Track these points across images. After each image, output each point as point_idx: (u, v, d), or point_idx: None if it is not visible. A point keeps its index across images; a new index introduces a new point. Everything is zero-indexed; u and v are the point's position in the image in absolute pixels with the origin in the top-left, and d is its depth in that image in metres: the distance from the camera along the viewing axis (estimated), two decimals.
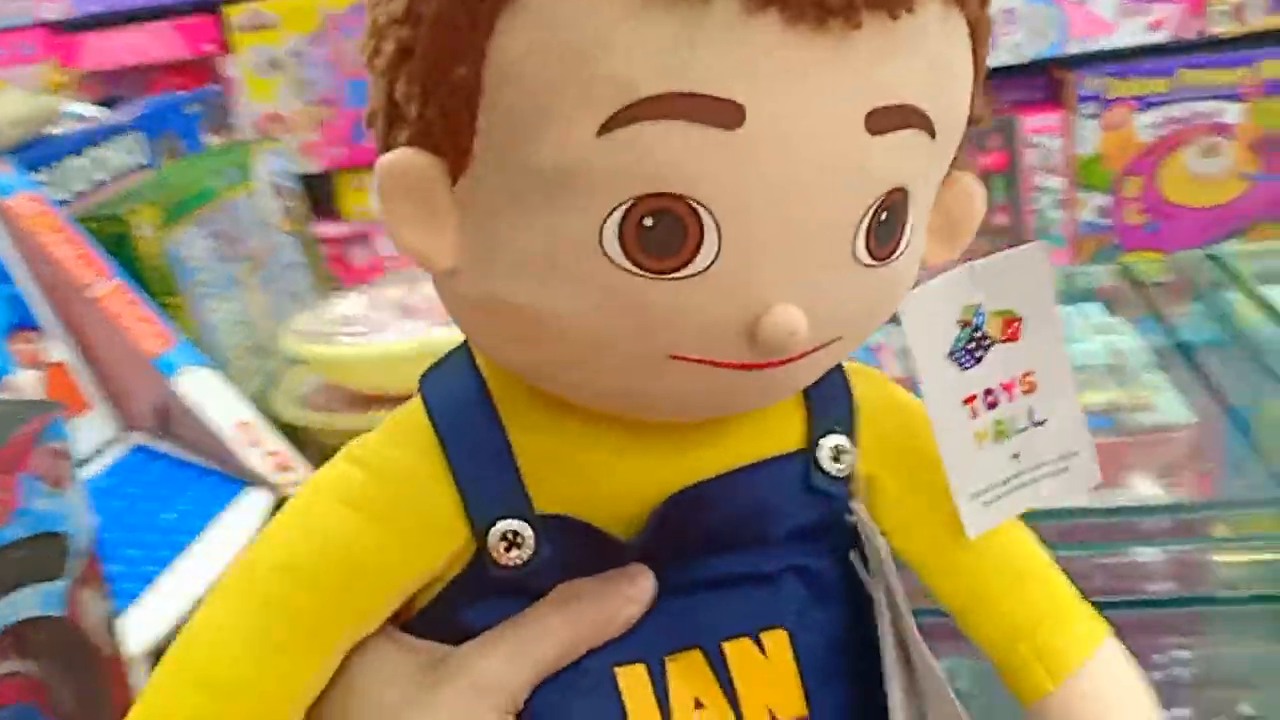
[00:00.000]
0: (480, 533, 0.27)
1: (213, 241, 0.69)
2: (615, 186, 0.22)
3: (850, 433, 0.29)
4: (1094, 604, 0.30)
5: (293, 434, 0.61)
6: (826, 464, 0.28)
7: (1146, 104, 1.17)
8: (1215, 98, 1.16)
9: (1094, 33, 1.18)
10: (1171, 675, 0.48)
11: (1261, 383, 0.60)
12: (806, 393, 0.28)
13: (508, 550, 0.26)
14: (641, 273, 0.22)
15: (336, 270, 1.37)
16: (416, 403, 0.28)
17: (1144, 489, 0.56)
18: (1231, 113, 1.16)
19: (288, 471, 0.57)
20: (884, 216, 0.23)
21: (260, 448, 0.57)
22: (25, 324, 0.57)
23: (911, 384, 0.30)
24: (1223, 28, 1.17)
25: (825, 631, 0.28)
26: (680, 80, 0.21)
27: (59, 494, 0.35)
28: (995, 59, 0.25)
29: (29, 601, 0.33)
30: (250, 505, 0.56)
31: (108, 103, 0.89)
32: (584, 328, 0.23)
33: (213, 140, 0.81)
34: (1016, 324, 0.28)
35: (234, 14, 1.32)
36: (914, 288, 0.26)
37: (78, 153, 0.68)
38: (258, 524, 0.54)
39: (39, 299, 0.58)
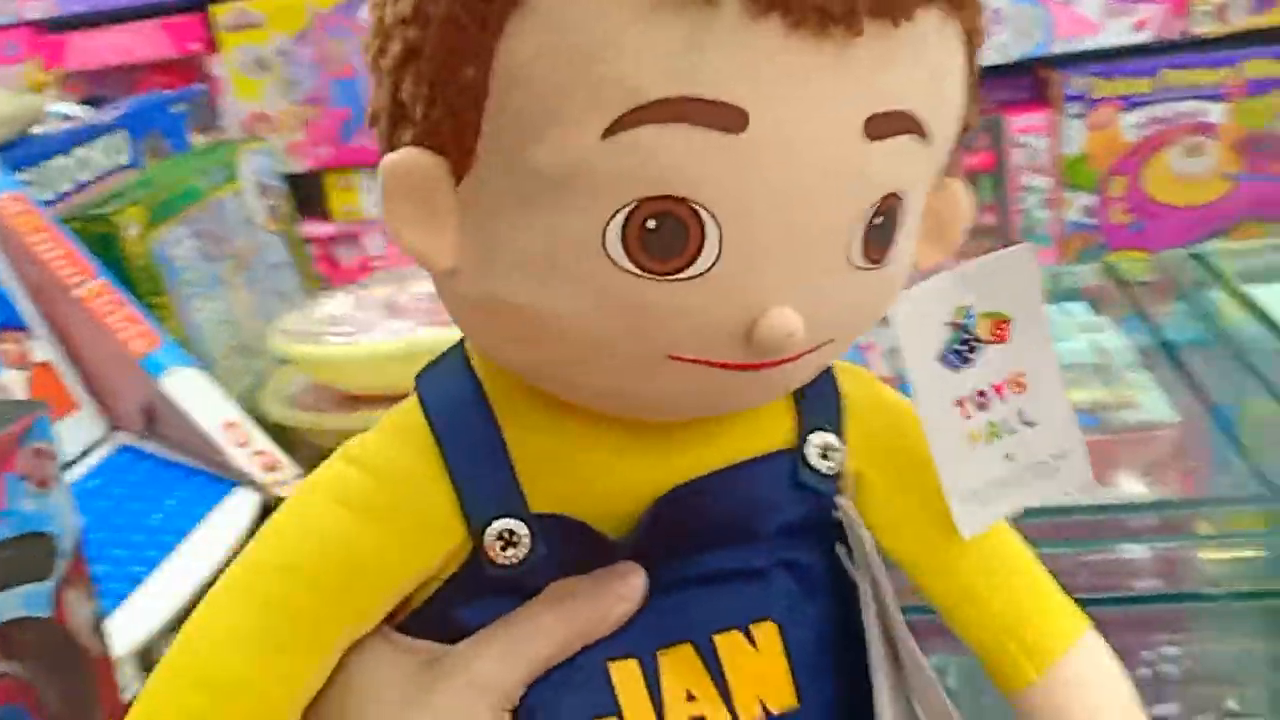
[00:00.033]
0: (476, 532, 0.27)
1: (198, 241, 0.69)
2: (619, 189, 0.22)
3: (838, 431, 0.29)
4: (1081, 601, 0.30)
5: (280, 434, 0.61)
6: (815, 461, 0.28)
7: (1131, 104, 1.18)
8: (1199, 98, 1.17)
9: (1079, 33, 1.18)
10: (1159, 672, 0.49)
11: (1245, 381, 0.60)
12: (795, 391, 0.28)
13: (504, 549, 0.27)
14: (643, 274, 0.22)
15: (324, 270, 1.37)
16: (412, 402, 0.28)
17: (1129, 487, 0.56)
18: (1215, 113, 1.17)
19: (275, 471, 0.57)
20: (880, 221, 0.23)
21: (247, 448, 0.57)
22: (10, 324, 0.56)
23: (899, 383, 0.30)
24: (1206, 28, 1.18)
25: (815, 624, 0.29)
26: (686, 84, 0.21)
27: (44, 494, 0.35)
28: (981, 59, 0.25)
29: (15, 602, 0.33)
30: (237, 505, 0.56)
31: (93, 102, 0.88)
32: (584, 328, 0.23)
33: (198, 140, 0.80)
34: (1005, 325, 0.28)
35: (220, 13, 1.32)
36: (905, 290, 0.27)
37: (62, 152, 0.67)
38: (245, 524, 0.54)
39: (24, 299, 0.57)
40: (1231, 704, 0.50)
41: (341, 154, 1.38)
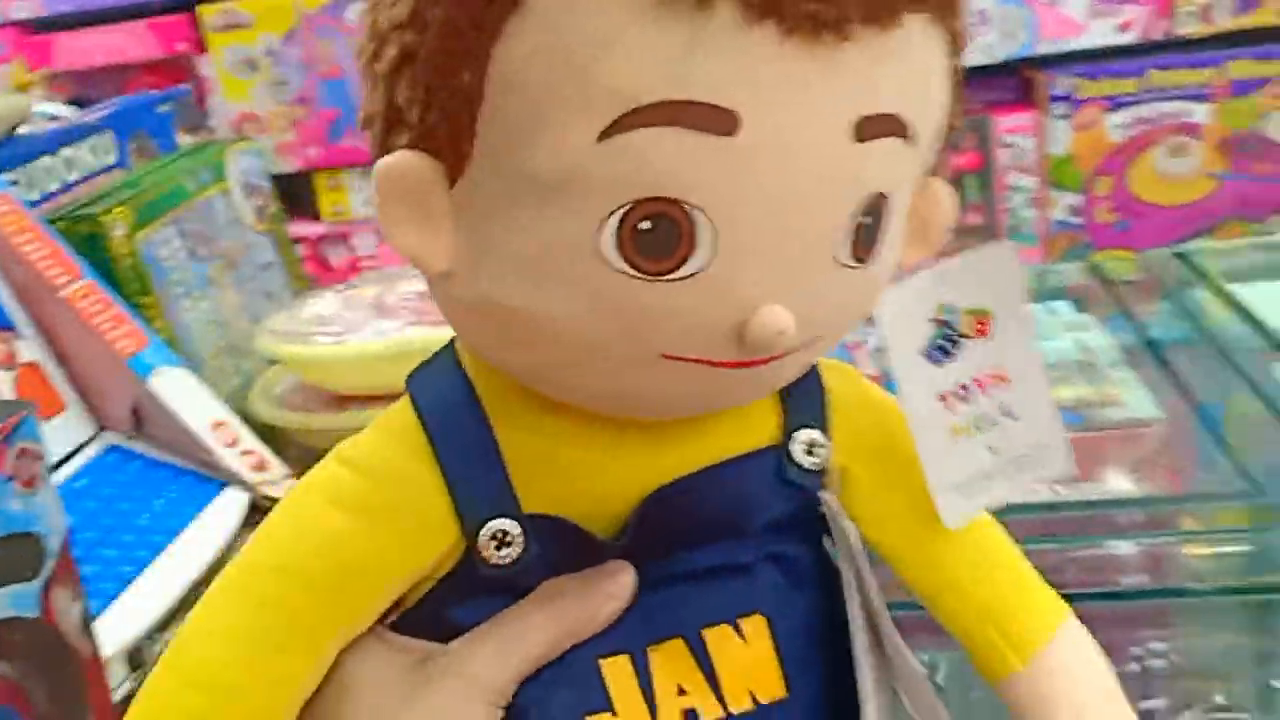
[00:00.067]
0: (470, 532, 0.27)
1: (186, 241, 0.68)
2: (613, 191, 0.22)
3: (824, 427, 0.29)
4: (1069, 596, 0.31)
5: (269, 434, 0.61)
6: (800, 458, 0.29)
7: (1116, 104, 1.19)
8: (1183, 98, 1.18)
9: (1064, 34, 1.19)
10: (1147, 666, 0.49)
11: (1228, 379, 0.60)
12: (781, 389, 0.28)
13: (497, 549, 0.27)
14: (637, 275, 0.23)
15: (315, 270, 1.37)
16: (405, 403, 0.28)
17: (1114, 484, 0.57)
18: (1199, 113, 1.18)
19: (264, 471, 0.57)
20: (867, 221, 0.24)
21: (236, 447, 0.57)
22: None
23: (885, 381, 0.30)
24: (1190, 29, 1.18)
25: (803, 616, 0.29)
26: (681, 88, 0.21)
27: (31, 494, 0.35)
28: (968, 60, 0.26)
29: (3, 603, 0.33)
30: (226, 505, 0.55)
31: (80, 102, 0.88)
32: (578, 329, 0.24)
33: (185, 140, 0.80)
34: (987, 320, 0.28)
35: (208, 14, 1.31)
36: (890, 287, 0.27)
37: (49, 153, 0.67)
38: (234, 524, 0.54)
39: (11, 300, 0.57)
40: (1219, 698, 0.50)
41: (330, 154, 1.38)
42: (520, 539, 0.27)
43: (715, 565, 0.28)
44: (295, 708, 0.27)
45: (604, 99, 0.21)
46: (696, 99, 0.21)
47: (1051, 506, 0.51)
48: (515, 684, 0.27)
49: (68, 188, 0.68)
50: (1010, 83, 1.25)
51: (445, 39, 0.22)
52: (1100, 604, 0.47)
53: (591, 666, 0.28)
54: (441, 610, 0.28)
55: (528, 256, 0.23)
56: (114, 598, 0.47)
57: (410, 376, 0.29)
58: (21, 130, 0.70)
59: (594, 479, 0.27)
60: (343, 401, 0.64)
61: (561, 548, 0.27)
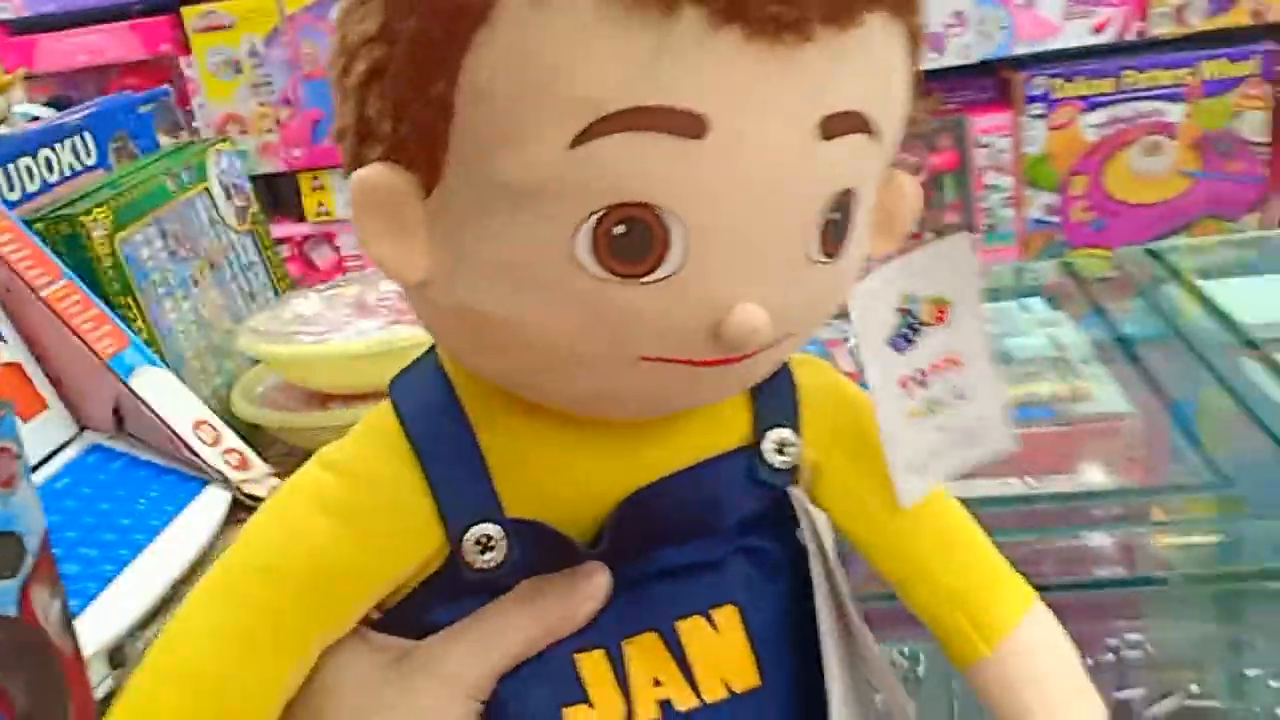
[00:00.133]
0: (454, 537, 0.27)
1: (167, 242, 0.68)
2: (586, 197, 0.22)
3: (795, 425, 0.30)
4: (1044, 588, 0.31)
5: (251, 433, 0.61)
6: (771, 457, 0.29)
7: (1092, 104, 1.20)
8: (1158, 98, 1.19)
9: (1040, 34, 1.20)
10: (1122, 656, 0.50)
11: (1200, 374, 0.61)
12: (753, 388, 0.29)
13: (481, 553, 0.27)
14: (612, 278, 0.23)
15: (300, 270, 1.36)
16: (387, 407, 0.29)
17: (1088, 477, 0.57)
18: (1173, 113, 1.20)
19: (246, 470, 0.57)
20: (836, 216, 0.24)
21: (218, 446, 0.57)
22: None
23: (862, 380, 0.31)
24: (1164, 29, 1.20)
25: (774, 605, 0.30)
26: (649, 94, 0.22)
27: (9, 493, 0.35)
28: (945, 60, 0.26)
29: None
30: (208, 504, 0.55)
31: (62, 103, 0.88)
32: (555, 333, 0.24)
33: (166, 141, 0.80)
34: (946, 308, 0.29)
35: (191, 15, 1.31)
36: (860, 279, 0.28)
37: (28, 153, 0.67)
38: (216, 523, 0.54)
39: None
40: (1194, 687, 0.51)
41: (314, 154, 1.37)
42: (503, 543, 0.27)
43: (688, 563, 0.29)
44: (278, 707, 0.27)
45: (574, 107, 0.22)
46: (665, 104, 0.22)
47: (1027, 499, 0.52)
48: (493, 680, 0.28)
49: (48, 188, 0.67)
50: (987, 83, 1.26)
51: (415, 51, 0.22)
52: (1076, 594, 0.47)
53: (568, 661, 0.28)
54: (424, 612, 0.29)
55: (504, 264, 0.24)
56: (95, 596, 0.47)
57: (393, 381, 0.29)
58: (1, 131, 0.70)
59: (573, 482, 0.28)
60: (325, 400, 0.64)
61: (540, 552, 0.28)
